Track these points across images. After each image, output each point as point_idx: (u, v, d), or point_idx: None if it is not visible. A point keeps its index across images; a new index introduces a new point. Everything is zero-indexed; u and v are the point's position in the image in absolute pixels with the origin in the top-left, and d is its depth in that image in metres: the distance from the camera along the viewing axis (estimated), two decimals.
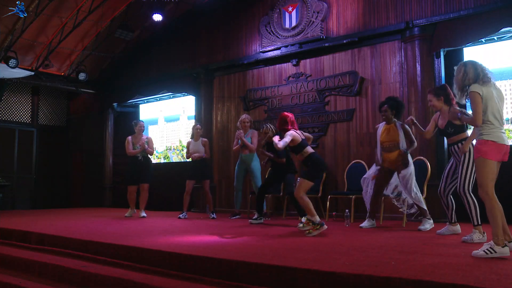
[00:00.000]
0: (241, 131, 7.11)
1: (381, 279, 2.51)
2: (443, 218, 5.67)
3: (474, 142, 4.22)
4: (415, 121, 4.88)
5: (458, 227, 4.62)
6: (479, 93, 3.39)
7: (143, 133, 7.66)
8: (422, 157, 6.05)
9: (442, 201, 4.56)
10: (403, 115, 5.75)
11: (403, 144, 5.26)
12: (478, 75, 3.46)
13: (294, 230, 5.24)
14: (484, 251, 3.22)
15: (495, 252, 3.18)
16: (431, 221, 5.23)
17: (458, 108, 4.12)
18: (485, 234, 3.96)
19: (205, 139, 7.54)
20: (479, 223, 4.00)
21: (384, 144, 5.37)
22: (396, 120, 5.39)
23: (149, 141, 7.58)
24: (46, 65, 9.92)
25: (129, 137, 7.60)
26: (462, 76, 3.53)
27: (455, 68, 3.67)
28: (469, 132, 4.36)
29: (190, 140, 7.49)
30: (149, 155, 7.66)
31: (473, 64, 3.53)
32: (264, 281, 2.92)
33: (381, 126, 5.48)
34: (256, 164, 7.11)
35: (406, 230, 5.25)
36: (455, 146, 4.31)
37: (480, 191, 3.38)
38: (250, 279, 2.98)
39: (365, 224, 5.49)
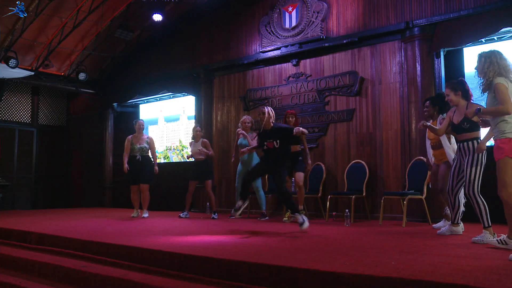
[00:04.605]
0: (242, 131, 6.92)
1: (381, 279, 2.51)
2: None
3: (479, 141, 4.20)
4: (427, 124, 4.77)
5: (459, 228, 4.58)
6: (505, 85, 3.48)
7: (143, 132, 7.61)
8: (422, 157, 6.06)
9: (450, 200, 4.46)
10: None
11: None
12: (506, 67, 3.55)
13: (294, 230, 5.24)
14: (497, 240, 3.65)
15: (506, 244, 3.55)
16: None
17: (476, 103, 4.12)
18: (496, 235, 3.89)
19: (205, 140, 7.54)
20: (490, 224, 3.96)
21: (432, 141, 5.25)
22: (441, 115, 5.15)
23: (150, 142, 7.43)
24: (46, 65, 9.92)
25: (130, 137, 7.46)
26: (488, 66, 3.59)
27: (479, 56, 3.69)
28: (481, 132, 4.26)
29: (191, 141, 7.56)
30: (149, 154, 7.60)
31: (500, 55, 3.61)
32: (264, 281, 2.91)
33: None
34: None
35: (406, 230, 5.26)
36: (466, 143, 4.15)
37: (504, 192, 3.44)
38: (250, 279, 2.98)
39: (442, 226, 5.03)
